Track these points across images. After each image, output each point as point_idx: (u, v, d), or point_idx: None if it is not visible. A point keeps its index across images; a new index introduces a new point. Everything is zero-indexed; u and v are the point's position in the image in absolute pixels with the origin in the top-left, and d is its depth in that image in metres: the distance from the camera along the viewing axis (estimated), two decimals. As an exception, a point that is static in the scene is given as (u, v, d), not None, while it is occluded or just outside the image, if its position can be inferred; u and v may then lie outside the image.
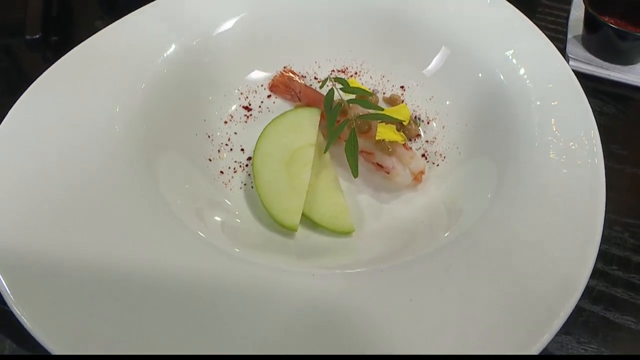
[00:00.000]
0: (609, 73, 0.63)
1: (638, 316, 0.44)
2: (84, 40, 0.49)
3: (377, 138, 0.47)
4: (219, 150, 0.51)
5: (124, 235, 0.36)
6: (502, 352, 0.31)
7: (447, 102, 0.54)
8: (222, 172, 0.49)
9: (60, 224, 0.36)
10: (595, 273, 0.46)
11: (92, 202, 0.38)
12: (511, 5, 0.55)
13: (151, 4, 0.54)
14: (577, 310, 0.44)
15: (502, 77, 0.49)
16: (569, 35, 0.68)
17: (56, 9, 0.70)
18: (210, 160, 0.50)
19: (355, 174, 0.46)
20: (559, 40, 0.68)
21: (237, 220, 0.45)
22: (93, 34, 0.50)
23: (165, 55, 0.51)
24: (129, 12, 0.52)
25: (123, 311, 0.32)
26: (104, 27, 0.50)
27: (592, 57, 0.65)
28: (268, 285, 0.34)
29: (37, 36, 0.64)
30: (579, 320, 0.43)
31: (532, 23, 0.53)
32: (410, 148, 0.50)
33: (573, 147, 0.43)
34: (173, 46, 0.52)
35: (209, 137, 0.51)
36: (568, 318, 0.43)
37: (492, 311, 0.33)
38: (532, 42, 0.51)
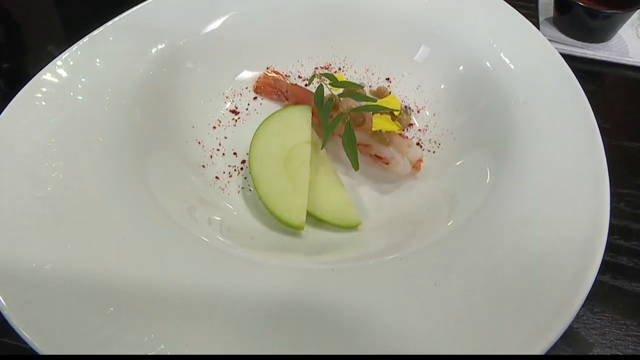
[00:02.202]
0: (584, 51, 0.65)
1: (645, 281, 0.44)
2: (40, 65, 0.46)
3: (373, 129, 0.47)
4: (211, 156, 0.49)
5: (125, 245, 0.35)
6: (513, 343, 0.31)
7: (436, 91, 0.54)
8: (217, 177, 0.48)
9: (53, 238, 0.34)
10: (599, 244, 0.47)
11: (88, 214, 0.36)
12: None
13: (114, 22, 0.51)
14: (587, 282, 0.44)
15: (488, 64, 0.50)
16: (541, 18, 0.69)
17: (3, 36, 0.67)
18: (203, 166, 0.48)
19: (356, 166, 0.45)
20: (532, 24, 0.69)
21: (241, 224, 0.43)
22: (48, 59, 0.47)
23: (142, 70, 0.49)
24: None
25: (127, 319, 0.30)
26: (58, 52, 0.47)
27: (566, 38, 0.66)
28: (285, 284, 0.33)
29: None
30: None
31: (513, 9, 0.54)
32: (407, 137, 0.49)
33: (567, 124, 0.43)
34: (153, 55, 0.50)
35: (199, 143, 0.50)
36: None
37: (506, 303, 0.33)
38: (513, 26, 0.52)
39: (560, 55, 0.49)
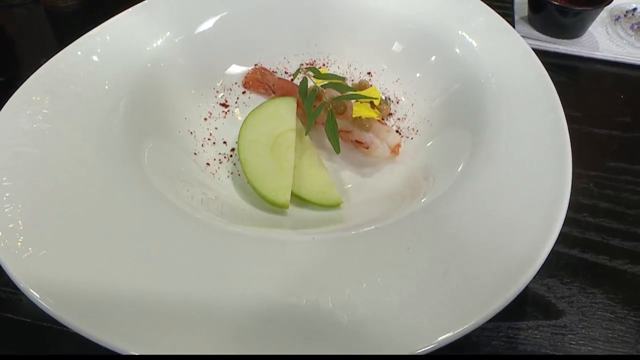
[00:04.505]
0: (557, 47, 0.68)
1: (611, 254, 0.47)
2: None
3: (353, 116, 0.50)
4: (202, 145, 0.52)
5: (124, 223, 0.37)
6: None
7: (413, 82, 0.57)
8: (208, 164, 0.51)
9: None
10: (569, 221, 0.49)
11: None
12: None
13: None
14: (557, 255, 0.47)
15: (457, 50, 0.53)
16: (516, 17, 0.73)
17: None
18: (195, 154, 0.51)
19: (337, 149, 0.48)
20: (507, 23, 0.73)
21: (231, 204, 0.46)
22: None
23: (139, 65, 0.52)
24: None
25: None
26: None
27: (540, 35, 0.70)
28: (272, 249, 0.36)
29: None
30: (560, 264, 0.47)
31: (484, 4, 0.58)
32: (386, 123, 0.52)
33: (535, 107, 0.46)
34: (149, 51, 0.53)
35: (191, 133, 0.53)
36: (550, 262, 0.46)
37: (473, 259, 0.35)
38: (485, 19, 0.56)
39: (521, 36, 0.53)
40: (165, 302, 0.32)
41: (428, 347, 0.31)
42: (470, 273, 0.34)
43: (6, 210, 0.36)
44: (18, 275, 0.32)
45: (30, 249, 0.34)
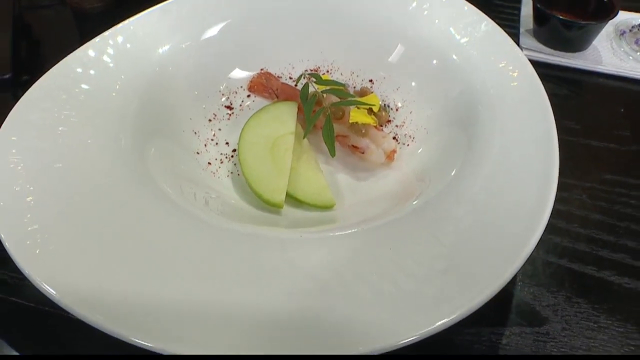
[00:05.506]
0: (559, 60, 0.69)
1: (599, 265, 0.48)
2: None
3: (350, 121, 0.52)
4: (205, 145, 0.54)
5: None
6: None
7: (412, 90, 0.59)
8: (209, 163, 0.53)
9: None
10: (560, 231, 0.51)
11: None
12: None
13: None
14: (545, 264, 0.48)
15: (456, 59, 0.55)
16: (521, 29, 0.74)
17: (25, 50, 0.72)
18: (198, 153, 0.53)
19: (332, 153, 0.50)
20: (513, 35, 0.73)
21: (229, 203, 0.48)
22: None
23: (148, 67, 0.54)
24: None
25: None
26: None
27: (543, 47, 0.71)
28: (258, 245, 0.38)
29: (8, 75, 0.64)
30: (547, 272, 0.47)
31: (483, 14, 0.59)
32: (382, 130, 0.54)
33: (528, 116, 0.48)
34: (158, 55, 0.56)
35: (195, 133, 0.55)
36: (537, 271, 0.47)
37: (460, 258, 0.37)
38: (483, 29, 0.57)
39: (520, 47, 0.54)
40: (178, 300, 0.34)
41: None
42: (458, 270, 0.36)
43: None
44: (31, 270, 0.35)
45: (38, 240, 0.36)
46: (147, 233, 0.38)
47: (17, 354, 0.42)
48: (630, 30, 0.72)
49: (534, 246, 0.37)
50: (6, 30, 0.69)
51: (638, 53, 0.69)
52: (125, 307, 0.33)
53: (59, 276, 0.34)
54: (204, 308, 0.33)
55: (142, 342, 0.31)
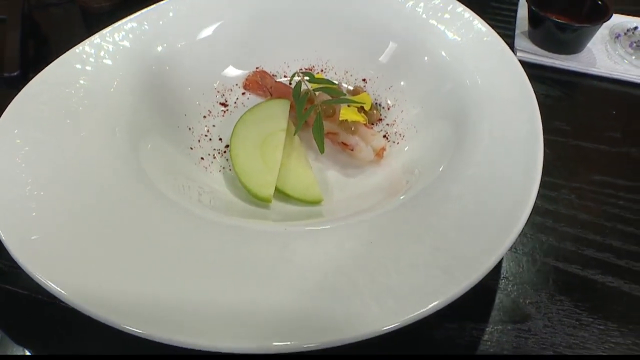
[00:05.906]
0: (553, 61, 0.70)
1: (584, 264, 0.48)
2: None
3: (340, 119, 0.52)
4: (199, 140, 0.56)
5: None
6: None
7: (403, 89, 0.60)
8: (202, 158, 0.54)
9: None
10: (546, 230, 0.51)
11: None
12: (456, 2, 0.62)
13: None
14: (531, 262, 0.49)
15: (446, 57, 0.55)
16: (517, 32, 0.75)
17: (33, 48, 0.73)
18: (191, 148, 0.54)
19: (321, 149, 0.51)
20: (508, 37, 0.74)
21: (220, 197, 0.49)
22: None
23: (144, 65, 0.55)
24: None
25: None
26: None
27: (538, 49, 0.71)
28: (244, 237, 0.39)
29: (16, 73, 0.65)
30: (532, 270, 0.48)
31: (475, 14, 0.59)
32: (372, 127, 0.55)
33: (515, 116, 0.48)
34: (155, 53, 0.57)
35: (189, 129, 0.56)
36: (522, 269, 0.48)
37: (444, 246, 0.37)
38: (475, 29, 0.57)
39: (510, 46, 0.55)
40: (181, 297, 0.34)
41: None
42: (439, 262, 0.36)
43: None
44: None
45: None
46: (140, 225, 0.39)
47: (14, 344, 0.43)
48: (625, 34, 0.72)
49: (513, 241, 0.37)
50: (15, 29, 0.71)
51: (633, 56, 0.70)
52: (119, 295, 0.33)
53: (54, 268, 0.35)
54: (190, 297, 0.34)
55: (134, 329, 0.32)
